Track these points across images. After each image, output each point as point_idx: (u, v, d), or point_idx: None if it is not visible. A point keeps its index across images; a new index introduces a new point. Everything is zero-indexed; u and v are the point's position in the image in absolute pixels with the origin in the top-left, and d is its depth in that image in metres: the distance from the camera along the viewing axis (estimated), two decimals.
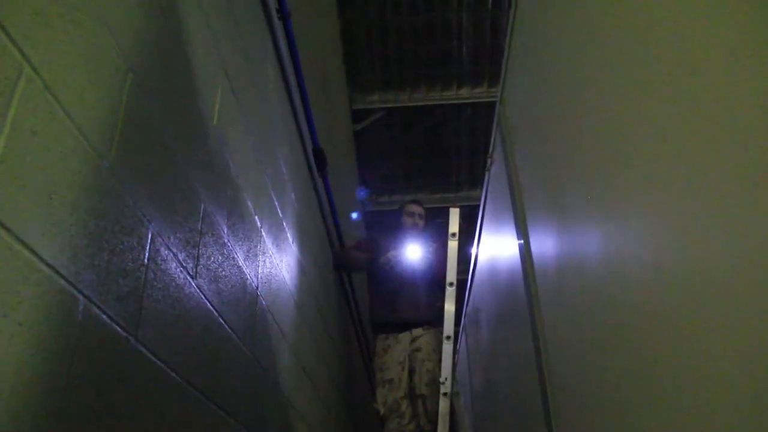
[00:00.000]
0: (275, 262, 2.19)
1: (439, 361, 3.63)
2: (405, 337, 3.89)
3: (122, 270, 1.03)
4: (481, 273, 2.62)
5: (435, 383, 3.65)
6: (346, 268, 4.30)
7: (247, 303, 1.79)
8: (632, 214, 0.82)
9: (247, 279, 1.79)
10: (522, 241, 1.54)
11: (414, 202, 4.41)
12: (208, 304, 1.45)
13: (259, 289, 1.93)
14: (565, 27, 1.15)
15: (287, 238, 2.45)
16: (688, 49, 0.67)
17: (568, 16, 1.13)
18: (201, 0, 1.52)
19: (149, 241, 1.13)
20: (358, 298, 4.93)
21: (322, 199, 3.41)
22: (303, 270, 2.77)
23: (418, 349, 3.84)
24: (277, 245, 2.23)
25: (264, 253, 2.02)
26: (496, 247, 2.14)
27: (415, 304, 3.92)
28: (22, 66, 0.78)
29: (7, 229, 0.74)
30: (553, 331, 1.29)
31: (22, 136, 0.78)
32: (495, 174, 1.99)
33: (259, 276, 1.94)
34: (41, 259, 0.81)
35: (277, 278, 2.20)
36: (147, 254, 1.13)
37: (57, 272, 0.84)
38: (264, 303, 1.98)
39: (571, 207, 1.13)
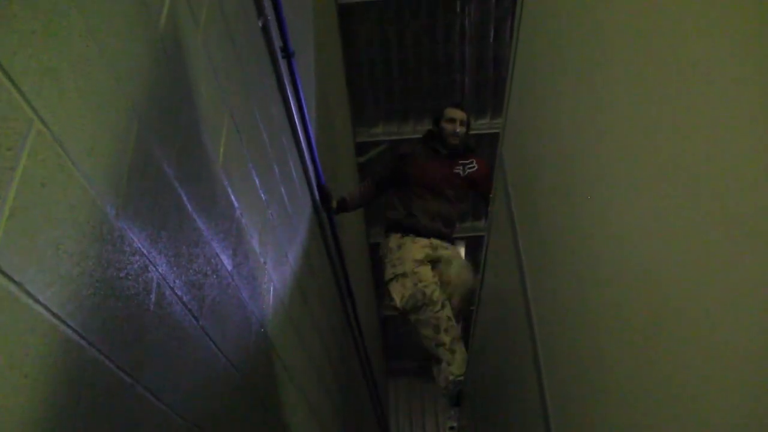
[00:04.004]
0: (280, 300, 2.19)
1: (471, 273, 3.37)
2: (423, 241, 3.47)
3: (128, 316, 1.04)
4: (485, 301, 2.62)
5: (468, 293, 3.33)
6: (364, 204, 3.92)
7: (252, 342, 1.79)
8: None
9: (252, 318, 1.79)
10: (519, 269, 1.56)
11: (455, 105, 3.79)
12: (213, 345, 1.46)
13: (265, 327, 1.93)
14: (563, 81, 1.17)
15: (293, 274, 2.45)
16: (690, 93, 0.68)
17: (566, 67, 1.15)
18: (206, 41, 1.55)
19: (155, 285, 1.14)
20: (365, 332, 4.91)
21: (326, 234, 3.42)
22: (309, 307, 2.77)
23: (447, 261, 3.46)
24: (282, 282, 2.24)
25: (269, 291, 2.03)
26: (498, 275, 2.14)
27: (436, 215, 3.54)
28: (32, 120, 0.80)
29: (16, 283, 0.75)
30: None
31: (31, 189, 0.79)
32: (496, 213, 2.00)
33: (264, 314, 1.95)
34: (48, 309, 0.82)
35: (282, 316, 2.20)
36: (152, 299, 1.13)
37: (63, 322, 0.85)
38: (269, 341, 1.98)
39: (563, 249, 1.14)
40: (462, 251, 3.51)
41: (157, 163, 1.20)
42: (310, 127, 2.85)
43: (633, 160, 0.83)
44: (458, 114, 3.68)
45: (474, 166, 3.64)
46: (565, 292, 1.21)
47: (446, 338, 3.25)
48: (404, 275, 3.35)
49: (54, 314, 0.83)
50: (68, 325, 0.86)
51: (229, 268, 1.60)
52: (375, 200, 3.85)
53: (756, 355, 0.55)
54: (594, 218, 1.01)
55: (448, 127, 3.64)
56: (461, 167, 3.62)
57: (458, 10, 5.37)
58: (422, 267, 3.36)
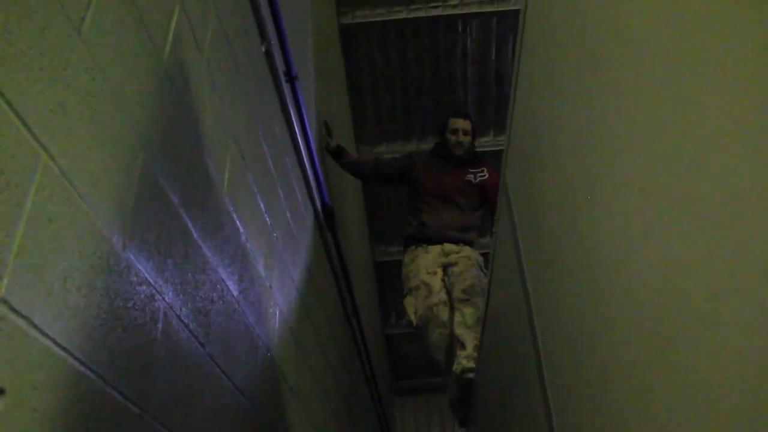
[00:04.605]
0: (286, 323, 2.19)
1: (479, 275, 3.29)
2: (435, 248, 3.47)
3: (135, 346, 1.04)
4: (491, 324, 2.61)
5: (473, 293, 3.23)
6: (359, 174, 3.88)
7: (259, 366, 1.79)
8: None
9: (259, 342, 1.79)
10: (522, 288, 1.56)
11: (458, 114, 3.80)
12: (220, 371, 1.46)
13: (271, 351, 1.93)
14: (564, 105, 1.17)
15: (298, 296, 2.45)
16: (693, 117, 0.69)
17: (567, 91, 1.16)
18: (209, 68, 1.56)
19: (161, 315, 1.15)
20: (370, 351, 4.90)
21: (331, 254, 3.43)
22: (314, 328, 2.77)
23: (454, 264, 3.40)
24: (288, 305, 2.24)
25: (275, 315, 2.03)
26: (502, 288, 2.14)
27: (447, 223, 3.51)
28: (40, 155, 0.81)
29: (24, 317, 0.75)
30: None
31: (39, 224, 0.80)
32: (501, 233, 2.00)
33: (271, 338, 1.95)
34: (56, 343, 0.82)
35: (288, 339, 2.20)
36: (160, 328, 1.14)
37: (71, 355, 0.85)
38: (276, 364, 1.98)
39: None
40: (478, 255, 3.46)
41: (163, 191, 1.20)
42: (314, 149, 2.87)
43: (636, 181, 0.83)
44: (461, 123, 3.67)
45: (485, 175, 3.63)
46: (569, 313, 1.21)
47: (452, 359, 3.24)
48: (416, 287, 3.38)
49: (62, 347, 0.83)
50: (76, 358, 0.87)
51: (235, 293, 1.61)
52: (368, 178, 3.88)
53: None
54: (597, 239, 1.02)
55: (451, 138, 3.65)
56: (472, 175, 3.61)
57: (460, 29, 5.40)
58: (433, 277, 3.35)
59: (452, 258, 3.43)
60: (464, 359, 3.11)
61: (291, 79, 2.45)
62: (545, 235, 1.39)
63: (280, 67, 2.37)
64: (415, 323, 3.34)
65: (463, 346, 3.11)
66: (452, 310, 3.28)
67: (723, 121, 0.62)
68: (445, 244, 3.47)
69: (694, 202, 0.67)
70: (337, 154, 3.63)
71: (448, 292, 3.35)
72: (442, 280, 3.38)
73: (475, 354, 3.07)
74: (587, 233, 1.07)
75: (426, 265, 3.41)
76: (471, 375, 3.10)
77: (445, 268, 3.42)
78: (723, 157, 0.62)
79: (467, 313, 3.19)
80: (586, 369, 1.10)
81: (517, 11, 5.54)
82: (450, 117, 3.76)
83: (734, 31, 0.61)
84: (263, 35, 2.16)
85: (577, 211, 1.13)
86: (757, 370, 0.55)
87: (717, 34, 0.64)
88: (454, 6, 5.23)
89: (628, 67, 0.86)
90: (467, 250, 3.48)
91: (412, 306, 3.37)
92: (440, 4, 5.24)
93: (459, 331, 3.15)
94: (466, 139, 3.65)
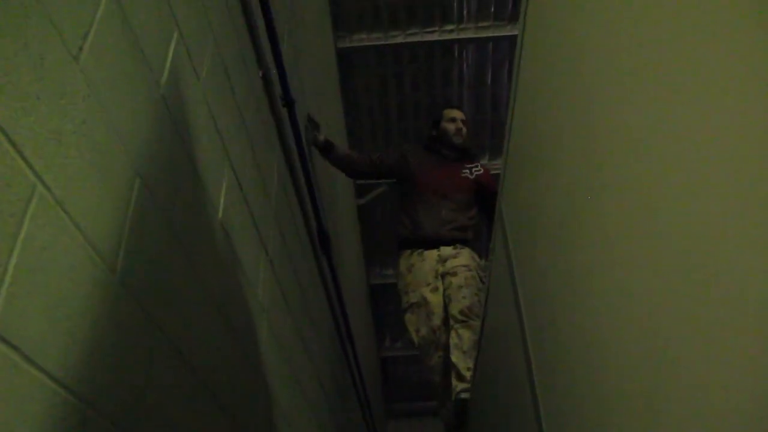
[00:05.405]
0: (282, 347, 2.18)
1: (478, 291, 3.07)
2: (431, 254, 3.28)
3: (128, 378, 1.03)
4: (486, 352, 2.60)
5: (471, 315, 3.04)
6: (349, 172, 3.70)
7: (251, 390, 1.77)
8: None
9: (255, 369, 1.78)
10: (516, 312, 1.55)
11: (453, 106, 3.69)
12: (212, 398, 1.44)
13: (267, 378, 1.91)
14: (561, 134, 1.18)
15: (293, 321, 2.44)
16: (696, 144, 0.69)
17: (564, 120, 1.17)
18: (206, 94, 1.56)
19: (156, 346, 1.14)
20: (364, 374, 4.87)
21: (326, 278, 3.42)
22: (308, 354, 2.75)
23: (452, 274, 3.20)
24: (283, 329, 2.23)
25: (268, 339, 2.02)
26: (498, 320, 2.13)
27: (444, 221, 3.32)
28: (35, 185, 0.80)
29: (15, 348, 0.75)
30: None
31: (32, 253, 0.79)
32: (497, 264, 2.00)
33: (265, 365, 1.93)
34: (48, 374, 0.81)
35: (284, 366, 2.19)
36: (153, 359, 1.13)
37: (63, 386, 0.84)
38: (269, 389, 1.96)
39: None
40: (477, 259, 3.32)
41: (158, 219, 1.20)
42: (311, 173, 2.87)
43: (632, 211, 0.84)
44: (457, 113, 3.58)
45: (480, 170, 3.51)
46: (565, 344, 1.21)
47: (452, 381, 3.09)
48: (418, 305, 3.23)
49: (53, 378, 0.83)
50: (67, 388, 0.86)
51: (232, 322, 1.60)
52: (356, 172, 3.67)
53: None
54: (593, 271, 1.02)
55: (450, 126, 3.52)
56: (468, 170, 3.48)
57: (456, 54, 5.44)
58: (433, 295, 3.21)
59: (450, 265, 3.24)
60: (460, 386, 3.07)
61: (288, 104, 2.45)
62: (541, 266, 1.39)
63: (277, 93, 2.38)
64: (417, 343, 3.23)
65: (459, 376, 3.02)
66: (448, 326, 3.14)
67: (723, 172, 0.62)
68: (441, 248, 3.29)
69: (699, 237, 0.67)
70: (326, 149, 3.41)
71: (445, 305, 3.20)
72: (442, 295, 3.21)
73: (469, 378, 3.03)
74: (583, 267, 1.07)
75: (425, 278, 3.24)
76: (466, 395, 3.05)
77: (443, 276, 3.25)
78: (721, 206, 0.62)
79: (465, 338, 3.05)
80: (583, 404, 1.10)
81: (513, 37, 5.58)
82: (444, 109, 3.65)
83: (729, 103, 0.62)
84: (260, 61, 2.17)
85: (573, 242, 1.13)
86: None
87: (720, 76, 0.65)
88: (450, 31, 5.28)
89: (626, 97, 0.87)
90: (465, 254, 3.29)
91: (414, 324, 3.23)
92: (436, 29, 5.28)
93: (455, 357, 3.03)
94: (464, 128, 3.54)
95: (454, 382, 3.03)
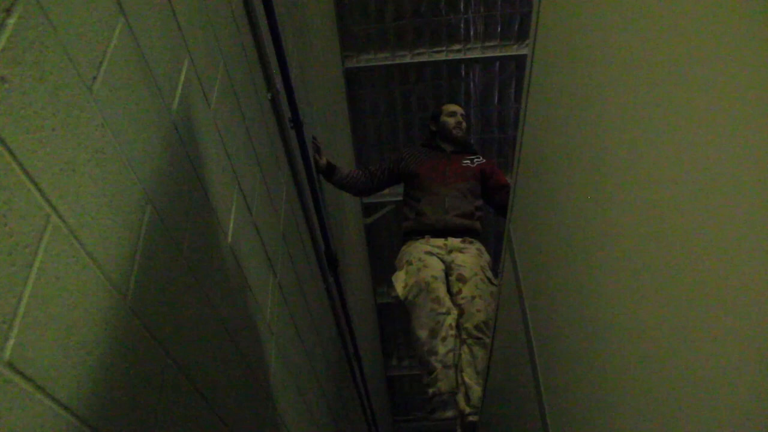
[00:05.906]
0: (290, 370, 2.18)
1: (490, 298, 2.90)
2: (437, 241, 3.12)
3: (141, 404, 1.03)
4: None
5: (485, 331, 2.85)
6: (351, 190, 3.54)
7: (259, 412, 1.77)
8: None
9: (261, 390, 1.78)
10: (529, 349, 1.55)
11: (452, 102, 3.63)
12: (222, 424, 1.44)
13: (272, 398, 1.91)
14: (570, 162, 1.18)
15: (300, 341, 2.44)
16: (702, 168, 0.69)
17: (573, 145, 1.17)
18: (216, 119, 1.58)
19: (168, 370, 1.14)
20: (371, 392, 4.85)
21: (334, 297, 3.42)
22: (315, 373, 2.75)
23: (461, 279, 3.00)
24: (290, 349, 2.23)
25: (277, 363, 2.02)
26: (506, 345, 2.13)
27: (449, 209, 3.18)
28: (49, 215, 0.81)
29: (29, 380, 0.75)
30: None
31: (46, 283, 0.80)
32: (506, 291, 2.00)
33: (272, 384, 1.93)
34: (60, 404, 0.81)
35: (291, 386, 2.18)
36: (164, 384, 1.13)
37: (74, 415, 0.85)
38: (276, 410, 1.96)
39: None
40: (485, 256, 3.16)
41: (168, 245, 1.21)
42: (318, 194, 2.88)
43: (645, 233, 0.84)
44: (457, 108, 3.56)
45: (482, 159, 3.46)
46: (573, 373, 1.20)
47: (441, 349, 2.87)
48: (409, 263, 3.07)
49: (65, 407, 0.83)
50: (79, 418, 0.86)
51: (241, 347, 1.60)
52: (360, 190, 3.52)
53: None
54: (604, 295, 1.02)
55: (450, 120, 3.49)
56: (469, 161, 3.41)
57: (463, 73, 5.48)
58: (431, 258, 3.06)
59: (457, 261, 3.06)
60: (468, 409, 2.98)
61: (297, 125, 2.47)
62: (550, 291, 1.39)
63: (285, 114, 2.40)
64: (402, 296, 3.00)
65: (468, 399, 2.86)
66: (461, 340, 2.93)
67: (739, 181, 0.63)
68: (448, 239, 3.12)
69: (704, 249, 0.67)
70: (328, 172, 3.34)
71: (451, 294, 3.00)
72: (444, 283, 3.01)
73: (480, 400, 2.96)
74: (594, 291, 1.07)
75: (423, 248, 3.07)
76: (474, 418, 2.97)
77: (449, 268, 3.07)
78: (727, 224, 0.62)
79: (479, 357, 2.89)
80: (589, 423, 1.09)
81: (520, 56, 5.58)
82: (443, 105, 3.62)
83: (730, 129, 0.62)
84: (269, 84, 2.19)
85: (583, 266, 1.13)
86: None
87: (725, 95, 0.65)
88: (457, 51, 5.32)
89: (635, 120, 0.87)
90: (473, 251, 3.13)
91: (402, 279, 3.02)
92: (443, 49, 5.33)
93: (468, 377, 2.87)
94: (464, 123, 3.50)
95: (462, 403, 2.95)
